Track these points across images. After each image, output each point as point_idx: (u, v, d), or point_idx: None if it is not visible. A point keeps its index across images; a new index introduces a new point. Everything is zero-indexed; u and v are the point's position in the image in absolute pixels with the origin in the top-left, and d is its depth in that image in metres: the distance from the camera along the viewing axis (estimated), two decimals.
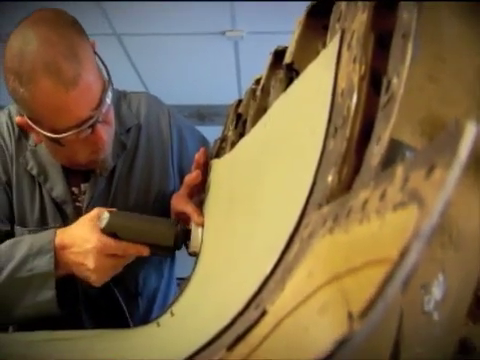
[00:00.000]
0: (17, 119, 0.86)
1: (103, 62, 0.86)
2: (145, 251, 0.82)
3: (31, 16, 0.80)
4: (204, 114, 3.68)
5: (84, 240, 0.79)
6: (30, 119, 0.82)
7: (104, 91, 0.82)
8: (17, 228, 0.93)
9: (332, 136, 0.34)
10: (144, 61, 3.02)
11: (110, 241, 0.79)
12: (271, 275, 0.36)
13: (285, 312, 0.28)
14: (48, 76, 0.74)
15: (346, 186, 0.30)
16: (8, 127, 0.96)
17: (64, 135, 0.79)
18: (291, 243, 0.35)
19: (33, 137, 0.92)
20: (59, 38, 0.77)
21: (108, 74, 0.87)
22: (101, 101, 0.80)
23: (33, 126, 0.82)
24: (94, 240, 0.78)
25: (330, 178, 0.32)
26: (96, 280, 0.80)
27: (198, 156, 0.92)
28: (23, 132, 0.95)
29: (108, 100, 0.82)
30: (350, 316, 0.20)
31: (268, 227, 0.47)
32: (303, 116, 0.46)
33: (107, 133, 0.86)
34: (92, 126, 0.80)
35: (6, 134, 0.96)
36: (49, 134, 0.80)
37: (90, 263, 0.78)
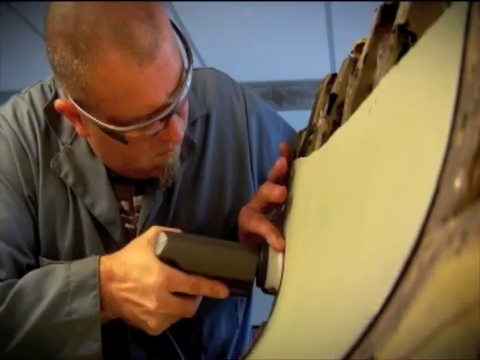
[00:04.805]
0: (57, 102, 0.85)
1: (179, 31, 0.86)
2: (222, 291, 0.82)
3: None
4: (282, 94, 3.67)
5: (142, 271, 0.79)
6: (80, 103, 0.80)
7: (184, 71, 0.82)
8: (43, 260, 0.93)
9: (461, 127, 0.36)
10: (199, 26, 3.05)
11: (177, 274, 0.79)
12: (381, 312, 0.38)
13: (399, 358, 0.31)
14: (117, 45, 0.73)
15: (479, 193, 0.31)
16: (31, 119, 0.95)
17: (129, 128, 0.79)
18: (407, 270, 0.37)
19: (69, 130, 0.92)
20: None
21: (186, 48, 0.87)
22: (180, 84, 0.80)
23: (83, 113, 0.81)
24: (156, 271, 0.78)
25: (458, 183, 0.34)
26: (155, 326, 0.80)
27: (280, 164, 0.90)
28: (53, 124, 0.94)
29: (188, 83, 0.81)
30: None
31: (376, 249, 0.49)
32: (421, 99, 0.47)
33: (182, 130, 0.86)
34: (166, 118, 0.80)
35: (28, 129, 0.94)
36: (108, 125, 0.79)
37: (150, 303, 0.78)
